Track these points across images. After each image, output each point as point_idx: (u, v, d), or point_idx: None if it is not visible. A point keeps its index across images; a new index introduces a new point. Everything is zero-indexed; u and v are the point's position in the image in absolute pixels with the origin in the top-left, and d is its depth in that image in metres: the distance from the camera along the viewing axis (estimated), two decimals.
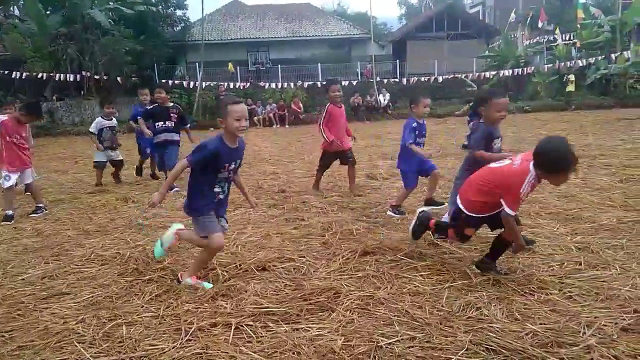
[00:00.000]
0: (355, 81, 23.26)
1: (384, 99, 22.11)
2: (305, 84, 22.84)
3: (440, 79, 23.16)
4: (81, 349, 2.68)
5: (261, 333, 2.78)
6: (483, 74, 23.02)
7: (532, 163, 3.02)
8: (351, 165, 6.35)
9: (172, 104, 7.28)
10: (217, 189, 3.36)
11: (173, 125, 7.02)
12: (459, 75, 23.06)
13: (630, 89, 20.35)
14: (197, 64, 23.98)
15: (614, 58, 21.12)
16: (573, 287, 3.19)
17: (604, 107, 19.01)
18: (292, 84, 22.83)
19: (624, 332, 2.64)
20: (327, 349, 2.58)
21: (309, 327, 2.82)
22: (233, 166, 3.37)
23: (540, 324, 2.74)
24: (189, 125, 7.41)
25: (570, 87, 20.72)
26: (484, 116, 4.06)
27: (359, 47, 30.47)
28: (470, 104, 11.31)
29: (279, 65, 26.04)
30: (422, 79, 22.98)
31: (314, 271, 3.67)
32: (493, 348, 2.52)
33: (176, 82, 22.45)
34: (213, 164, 3.23)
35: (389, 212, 5.22)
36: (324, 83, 22.82)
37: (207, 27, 27.82)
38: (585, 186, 6.00)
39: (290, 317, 2.96)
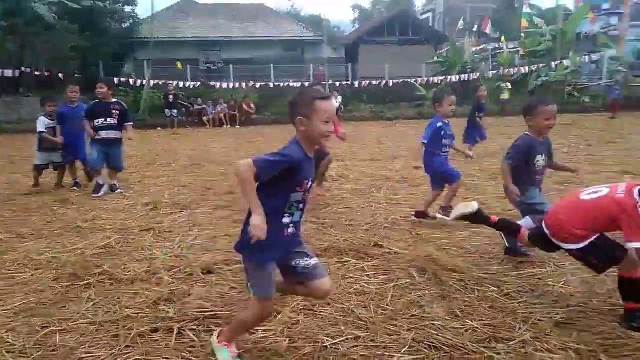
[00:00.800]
0: (308, 83, 23.29)
1: (336, 101, 22.29)
2: (258, 85, 22.67)
3: (391, 83, 23.57)
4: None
5: (204, 338, 2.72)
6: (432, 79, 23.63)
7: (637, 189, 2.64)
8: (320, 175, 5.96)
9: (114, 99, 6.87)
10: (286, 219, 2.35)
11: (115, 122, 6.61)
12: (409, 80, 23.56)
13: (568, 95, 21.46)
14: (145, 62, 23.31)
15: (554, 66, 22.20)
16: (511, 285, 3.32)
17: None
18: (244, 85, 22.59)
19: (557, 327, 2.76)
20: (271, 352, 2.56)
21: (254, 330, 2.78)
22: (309, 184, 2.43)
23: (479, 320, 2.83)
24: (131, 123, 6.92)
25: (505, 95, 21.56)
26: (531, 126, 3.74)
27: (312, 49, 30.56)
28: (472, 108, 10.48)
29: (231, 65, 25.72)
30: (374, 82, 23.30)
31: None
32: (434, 345, 2.58)
33: (122, 79, 21.70)
34: (289, 180, 2.30)
35: (438, 215, 4.84)
36: (277, 84, 22.79)
37: (156, 24, 27.09)
38: None
39: None
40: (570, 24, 23.38)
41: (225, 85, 22.59)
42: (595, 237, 2.71)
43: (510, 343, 2.57)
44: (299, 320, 2.87)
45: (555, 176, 6.18)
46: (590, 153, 9.35)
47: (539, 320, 2.82)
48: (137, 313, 3.02)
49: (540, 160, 3.74)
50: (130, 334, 2.75)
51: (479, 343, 2.58)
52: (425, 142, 4.82)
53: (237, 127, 19.33)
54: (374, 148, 11.23)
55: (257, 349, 2.59)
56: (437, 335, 2.67)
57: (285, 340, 2.65)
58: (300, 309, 3.02)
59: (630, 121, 15.15)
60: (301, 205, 2.42)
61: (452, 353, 2.50)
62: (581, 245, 2.74)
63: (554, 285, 3.28)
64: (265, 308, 2.39)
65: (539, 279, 3.42)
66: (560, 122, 15.46)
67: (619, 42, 23.33)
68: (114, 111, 6.60)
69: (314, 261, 2.44)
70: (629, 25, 23.94)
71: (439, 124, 4.81)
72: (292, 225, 2.40)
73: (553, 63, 22.28)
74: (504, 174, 3.73)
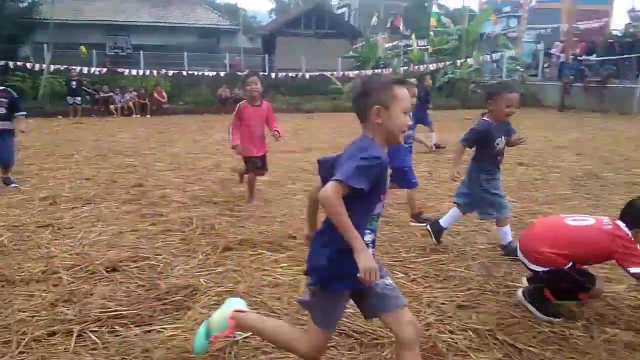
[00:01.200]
0: (224, 73, 22.78)
1: None
2: (170, 72, 21.76)
3: (307, 75, 23.69)
4: None
5: (107, 339, 2.59)
6: (348, 73, 24.06)
7: (620, 223, 2.74)
8: (261, 171, 5.47)
9: (1, 87, 6.22)
10: (367, 237, 1.95)
11: (4, 111, 6.00)
12: (325, 73, 23.82)
13: (471, 92, 22.84)
14: (45, 45, 21.49)
15: (459, 64, 23.50)
16: (417, 271, 3.48)
17: (450, 108, 21.06)
18: (155, 72, 21.57)
19: (459, 309, 2.94)
20: (181, 350, 2.48)
21: (163, 329, 2.69)
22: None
23: None
24: (23, 113, 6.28)
25: None
26: (491, 111, 3.79)
27: (228, 38, 29.87)
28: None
29: (141, 52, 24.43)
30: (291, 74, 23.29)
31: (171, 269, 3.51)
32: (345, 332, 2.64)
33: (19, 63, 19.85)
34: (374, 187, 1.88)
35: (411, 223, 4.58)
36: (191, 73, 22.04)
37: (57, 5, 25.06)
38: (431, 178, 6.60)
39: (142, 319, 2.80)
40: (474, 25, 24.85)
41: (134, 72, 21.42)
42: (569, 265, 2.71)
43: None
44: (210, 316, 2.80)
45: None
46: None
47: (442, 303, 2.98)
48: (32, 316, 2.80)
49: (500, 142, 3.83)
50: (24, 339, 2.55)
51: (387, 328, 2.67)
52: None
53: (148, 116, 18.40)
54: (290, 140, 11.24)
55: (166, 347, 2.50)
56: (348, 322, 2.73)
57: None
58: (212, 304, 2.95)
59: (525, 117, 16.24)
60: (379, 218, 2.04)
61: (362, 339, 2.57)
62: (550, 269, 2.73)
63: (456, 270, 3.49)
64: (315, 342, 2.01)
65: (442, 264, 3.62)
66: (464, 117, 16.41)
67: (517, 43, 25.20)
68: (1, 99, 5.99)
69: (391, 281, 2.03)
70: (526, 28, 25.92)
71: None
72: (371, 243, 1.99)
73: (458, 61, 23.56)
74: (455, 153, 3.91)
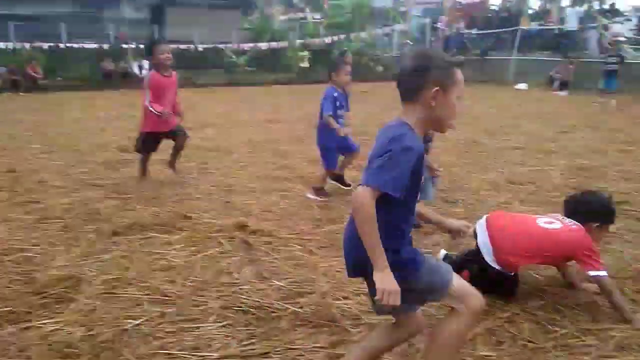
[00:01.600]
0: (107, 45, 21.14)
1: (139, 66, 20.54)
2: (46, 45, 19.76)
3: (200, 48, 22.79)
4: None
5: None
6: (242, 46, 23.51)
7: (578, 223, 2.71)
8: (182, 138, 5.17)
9: None
10: (407, 227, 1.81)
11: None
12: (219, 46, 23.08)
13: (365, 66, 23.47)
14: None
15: (352, 37, 23.97)
16: (313, 242, 3.54)
17: None
18: (27, 45, 19.45)
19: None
20: (63, 344, 2.31)
21: (42, 324, 2.48)
22: None
23: (285, 279, 2.97)
24: None
25: (304, 63, 22.66)
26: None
27: (112, 8, 27.67)
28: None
29: (10, 23, 21.85)
30: (182, 47, 22.24)
31: (50, 260, 3.23)
32: (242, 309, 2.62)
33: None
34: (414, 180, 1.69)
35: (308, 195, 4.57)
36: (69, 46, 20.17)
37: None
38: None
39: (18, 316, 2.56)
40: None
41: (3, 45, 19.17)
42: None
43: (312, 295, 2.76)
44: (95, 307, 2.63)
45: None
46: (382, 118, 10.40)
47: (337, 271, 3.06)
48: None
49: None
50: None
51: (284, 300, 2.70)
52: (331, 112, 4.45)
53: (21, 94, 16.61)
54: (185, 115, 10.79)
55: (46, 344, 2.31)
56: (244, 299, 2.72)
57: (79, 330, 2.41)
58: (99, 294, 2.78)
59: None
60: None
61: (258, 313, 2.57)
62: (503, 271, 2.68)
63: None
64: (473, 300, 1.79)
65: (337, 234, 3.70)
66: (360, 90, 16.86)
67: (406, 17, 26.21)
68: None
69: None
70: (414, 2, 27.02)
71: (335, 94, 4.51)
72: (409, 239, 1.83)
73: (352, 35, 24.02)
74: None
